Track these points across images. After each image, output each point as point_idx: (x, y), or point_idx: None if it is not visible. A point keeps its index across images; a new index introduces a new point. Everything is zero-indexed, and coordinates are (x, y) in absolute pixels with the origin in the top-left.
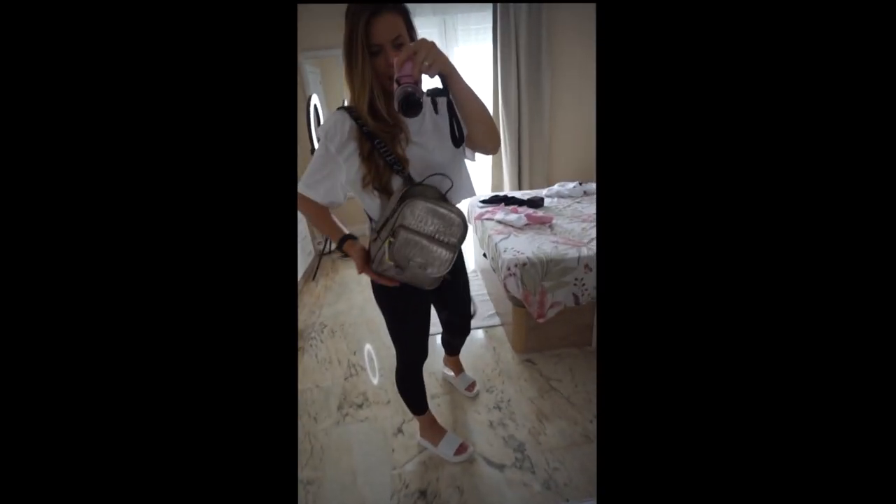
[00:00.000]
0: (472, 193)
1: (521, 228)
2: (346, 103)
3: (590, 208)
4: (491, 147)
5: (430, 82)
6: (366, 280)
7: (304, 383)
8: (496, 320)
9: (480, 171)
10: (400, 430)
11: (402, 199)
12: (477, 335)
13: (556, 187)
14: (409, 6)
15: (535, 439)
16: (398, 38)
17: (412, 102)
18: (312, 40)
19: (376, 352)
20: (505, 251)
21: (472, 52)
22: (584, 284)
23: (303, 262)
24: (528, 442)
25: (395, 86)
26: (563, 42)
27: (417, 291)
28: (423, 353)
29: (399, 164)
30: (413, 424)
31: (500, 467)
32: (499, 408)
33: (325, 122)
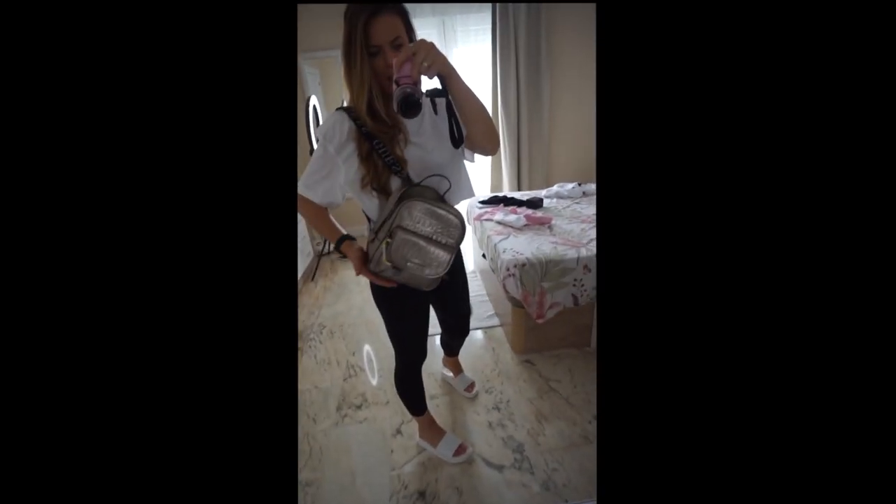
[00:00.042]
0: (471, 194)
1: (520, 229)
2: (344, 104)
3: (589, 209)
4: (490, 148)
5: (429, 83)
6: (365, 281)
7: (302, 384)
8: (495, 321)
9: (480, 172)
10: (399, 431)
11: (400, 199)
12: (476, 336)
13: (555, 188)
14: (408, 7)
15: (534, 440)
16: (397, 38)
17: (411, 103)
18: (311, 41)
19: (375, 353)
20: (504, 252)
21: (471, 52)
22: (583, 285)
23: (302, 263)
24: (527, 443)
25: (394, 87)
26: (563, 43)
27: (416, 292)
28: (422, 354)
29: (398, 165)
30: (412, 425)
31: (499, 468)
32: (498, 408)
33: (323, 122)
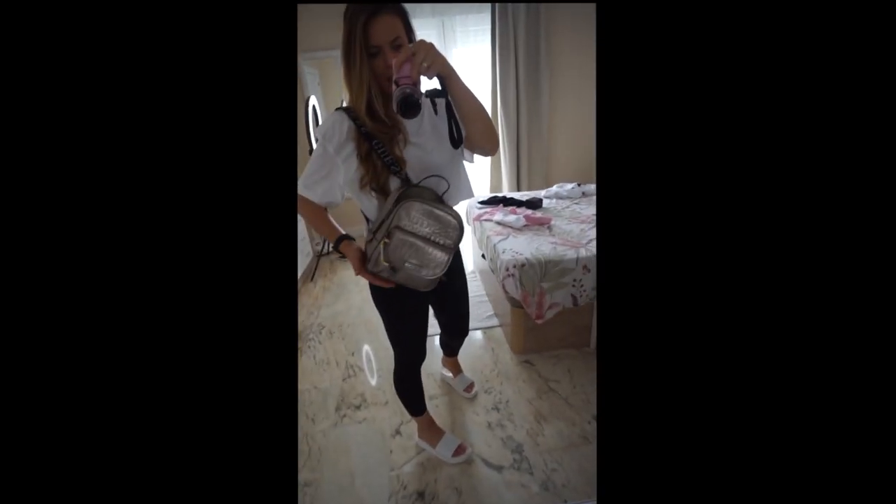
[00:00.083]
0: (470, 194)
1: (519, 229)
2: (344, 104)
3: (588, 209)
4: (489, 148)
5: (428, 83)
6: (364, 281)
7: (301, 384)
8: (494, 321)
9: (479, 172)
10: (398, 432)
11: (398, 200)
12: (475, 336)
13: (554, 188)
14: (408, 7)
15: (534, 440)
16: (397, 39)
17: (411, 104)
18: (311, 41)
19: (374, 353)
20: (503, 252)
21: (470, 53)
22: (582, 285)
23: (301, 264)
24: (527, 443)
25: (394, 87)
26: (562, 43)
27: (415, 292)
28: (421, 354)
29: (397, 165)
30: (411, 426)
31: (499, 468)
32: (497, 409)
33: (323, 122)
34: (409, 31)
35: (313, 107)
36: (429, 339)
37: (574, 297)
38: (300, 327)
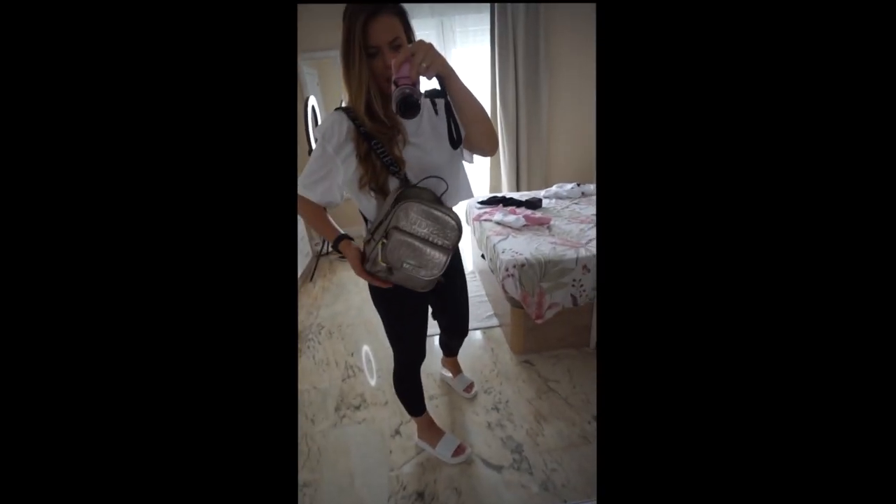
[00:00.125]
0: (469, 195)
1: (519, 229)
2: (343, 104)
3: (588, 209)
4: (489, 148)
5: (428, 84)
6: (363, 281)
7: (301, 385)
8: (494, 321)
9: (479, 173)
10: (398, 432)
11: (397, 201)
12: (475, 336)
13: (554, 188)
14: (407, 7)
15: (533, 440)
16: (396, 39)
17: (410, 104)
18: (310, 41)
19: (374, 353)
20: (503, 252)
21: (469, 53)
22: (582, 285)
23: (300, 264)
24: (526, 443)
25: (393, 87)
26: (561, 43)
27: (414, 293)
28: (420, 355)
29: (396, 166)
30: (411, 426)
31: (498, 468)
32: (497, 409)
33: (322, 122)
34: (409, 31)
35: (312, 107)
36: (428, 340)
37: (574, 297)
38: (300, 327)
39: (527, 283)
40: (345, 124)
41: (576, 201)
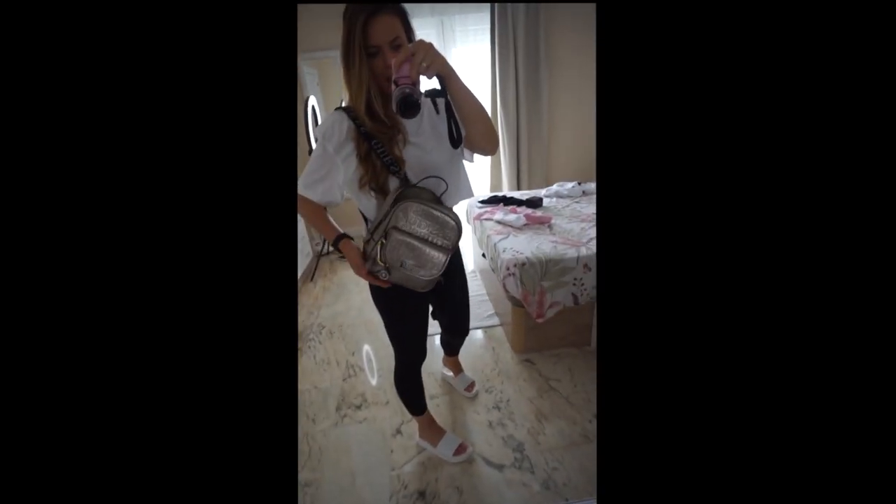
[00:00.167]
0: (470, 194)
1: (519, 228)
2: (343, 104)
3: (589, 208)
4: (489, 148)
5: (428, 83)
6: (364, 281)
7: (302, 384)
8: (495, 320)
9: (479, 172)
10: (399, 431)
11: (396, 201)
12: (476, 335)
13: (554, 187)
14: (407, 7)
15: (535, 439)
16: (396, 39)
17: (410, 104)
18: (310, 41)
19: (375, 352)
20: (504, 251)
21: (470, 52)
22: (583, 284)
23: (301, 264)
24: (528, 442)
25: (393, 87)
26: (561, 42)
27: (414, 292)
28: (421, 354)
29: (396, 165)
30: (412, 425)
31: (500, 467)
32: (498, 408)
33: (322, 122)
34: (409, 30)
35: (313, 107)
36: (429, 339)
37: (575, 296)
38: (300, 327)
39: (528, 281)
40: (345, 124)
41: (576, 200)
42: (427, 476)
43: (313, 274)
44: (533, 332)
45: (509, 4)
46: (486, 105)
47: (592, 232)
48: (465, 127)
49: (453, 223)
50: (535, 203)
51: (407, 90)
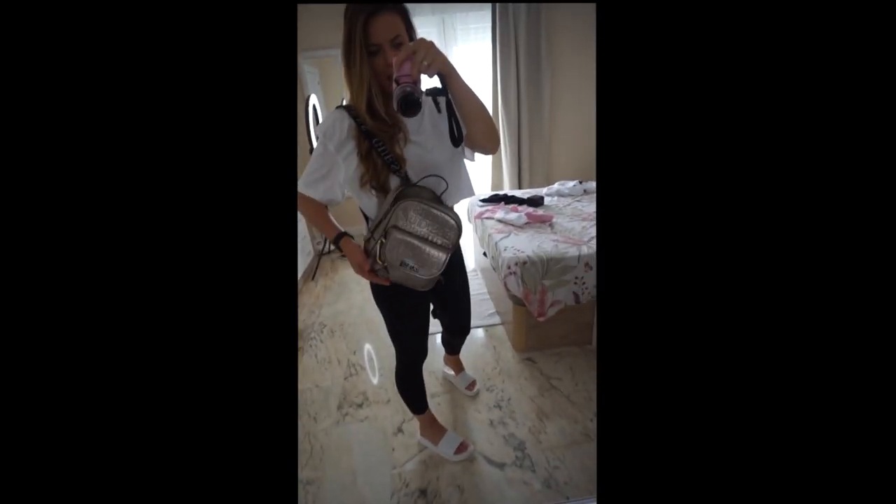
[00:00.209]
0: (471, 193)
1: (521, 227)
2: (344, 102)
3: (590, 207)
4: (490, 147)
5: (430, 82)
6: (365, 280)
7: (303, 383)
8: (496, 319)
9: (480, 171)
10: (400, 430)
11: (396, 200)
12: (477, 334)
13: (556, 186)
14: (408, 6)
15: (536, 438)
16: (397, 37)
17: (411, 102)
18: (311, 40)
19: (376, 351)
20: (505, 250)
21: (471, 51)
22: (584, 283)
23: (302, 263)
24: (529, 440)
25: (394, 85)
26: (563, 42)
27: (415, 291)
28: (422, 353)
29: (397, 164)
30: (413, 423)
31: (501, 466)
32: (499, 406)
33: (323, 120)
34: (410, 29)
35: (313, 105)
36: (430, 337)
37: (576, 295)
38: (302, 326)
39: (529, 280)
40: (346, 122)
41: (578, 199)
42: (428, 474)
43: (315, 273)
44: (534, 331)
45: (510, 4)
46: (487, 104)
47: (594, 231)
48: (466, 125)
49: (453, 222)
50: (536, 202)
51: (408, 89)
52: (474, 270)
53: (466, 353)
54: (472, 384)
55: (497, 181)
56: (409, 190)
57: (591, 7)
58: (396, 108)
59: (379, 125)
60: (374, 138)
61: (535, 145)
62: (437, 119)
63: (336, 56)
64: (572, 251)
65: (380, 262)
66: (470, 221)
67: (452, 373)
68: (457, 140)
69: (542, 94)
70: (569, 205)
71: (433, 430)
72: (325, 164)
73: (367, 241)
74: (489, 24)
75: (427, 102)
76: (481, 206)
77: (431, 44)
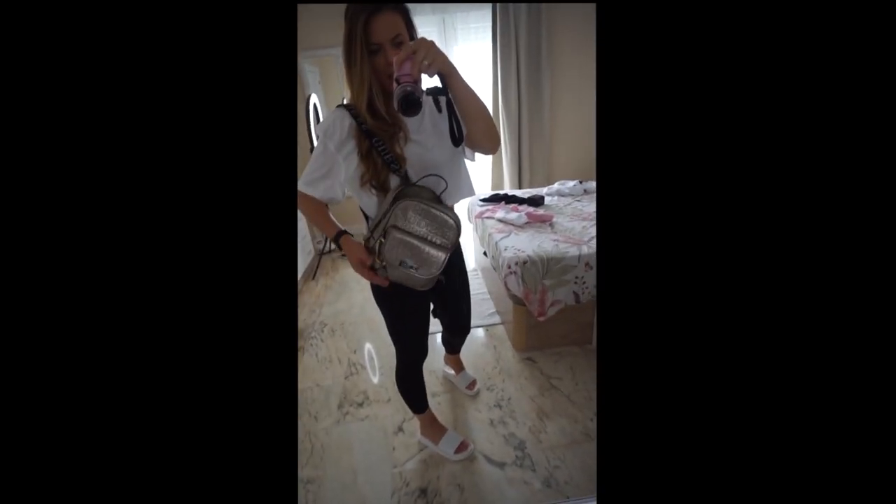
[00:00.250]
0: (471, 193)
1: (521, 227)
2: (345, 102)
3: (590, 206)
4: (490, 147)
5: (430, 81)
6: (365, 279)
7: (304, 382)
8: (496, 319)
9: (480, 170)
10: (400, 429)
11: (396, 199)
12: (477, 334)
13: (556, 186)
14: (409, 5)
15: (536, 437)
16: (397, 36)
17: (411, 102)
18: (311, 40)
19: (376, 350)
20: (505, 249)
21: (471, 51)
22: (584, 282)
23: (303, 262)
24: (529, 440)
25: (395, 85)
26: (563, 42)
27: (415, 291)
28: (422, 352)
29: (397, 163)
30: (413, 423)
31: (501, 465)
32: (499, 406)
33: (324, 119)
34: (411, 28)
35: (314, 105)
36: (431, 337)
37: (576, 295)
38: (302, 325)
39: (529, 280)
40: (346, 121)
41: (578, 198)
42: (428, 474)
43: (315, 272)
44: (534, 331)
45: (511, 3)
46: (488, 103)
47: (594, 230)
48: (466, 125)
49: (452, 222)
50: (536, 201)
51: (408, 88)
52: (474, 270)
53: (467, 352)
54: (473, 384)
55: (497, 181)
56: (409, 190)
57: (591, 7)
58: (397, 107)
59: (379, 124)
60: (374, 137)
61: (536, 145)
62: (438, 118)
63: (336, 55)
64: (573, 251)
65: (379, 262)
66: (470, 221)
67: (453, 372)
68: (457, 140)
69: (543, 93)
70: (569, 204)
71: (433, 429)
72: (326, 163)
73: (367, 240)
74: (489, 24)
75: (427, 102)
76: (481, 206)
77: (432, 43)
